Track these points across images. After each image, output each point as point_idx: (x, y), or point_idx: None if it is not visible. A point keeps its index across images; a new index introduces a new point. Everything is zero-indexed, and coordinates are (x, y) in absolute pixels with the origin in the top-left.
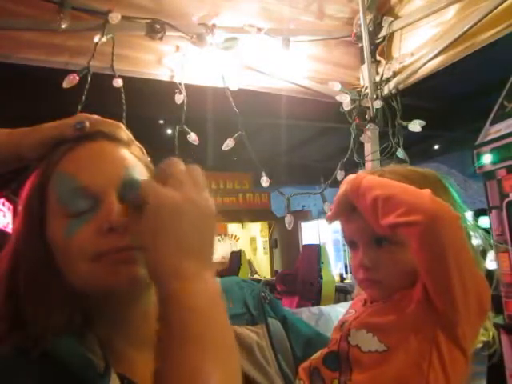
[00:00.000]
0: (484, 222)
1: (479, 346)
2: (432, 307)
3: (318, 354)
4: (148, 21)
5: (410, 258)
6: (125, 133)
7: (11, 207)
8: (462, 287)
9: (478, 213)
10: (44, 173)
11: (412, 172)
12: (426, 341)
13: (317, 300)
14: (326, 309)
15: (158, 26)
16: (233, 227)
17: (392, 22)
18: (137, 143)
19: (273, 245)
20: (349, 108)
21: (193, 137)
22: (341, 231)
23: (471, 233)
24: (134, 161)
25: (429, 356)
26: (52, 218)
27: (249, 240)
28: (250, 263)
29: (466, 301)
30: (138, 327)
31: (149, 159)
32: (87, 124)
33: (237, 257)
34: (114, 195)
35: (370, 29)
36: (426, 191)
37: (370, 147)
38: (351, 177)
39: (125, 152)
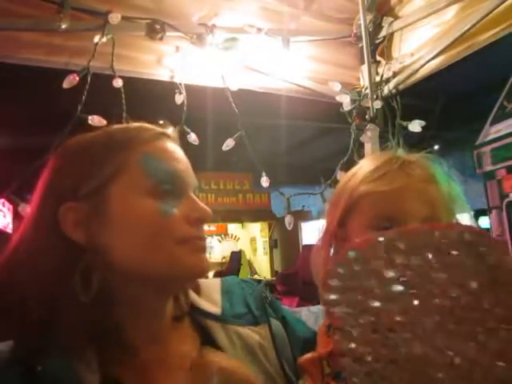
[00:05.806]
0: (484, 222)
1: None
2: None
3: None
4: (148, 21)
5: None
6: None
7: (11, 207)
8: None
9: (478, 213)
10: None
11: None
12: None
13: (317, 300)
14: None
15: (158, 26)
16: (233, 227)
17: (392, 22)
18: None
19: (273, 245)
20: (349, 108)
21: (193, 137)
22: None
23: None
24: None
25: None
26: (127, 190)
27: (249, 240)
28: (250, 263)
29: None
30: (156, 320)
31: None
32: None
33: (237, 257)
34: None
35: (370, 29)
36: None
37: (370, 147)
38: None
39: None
